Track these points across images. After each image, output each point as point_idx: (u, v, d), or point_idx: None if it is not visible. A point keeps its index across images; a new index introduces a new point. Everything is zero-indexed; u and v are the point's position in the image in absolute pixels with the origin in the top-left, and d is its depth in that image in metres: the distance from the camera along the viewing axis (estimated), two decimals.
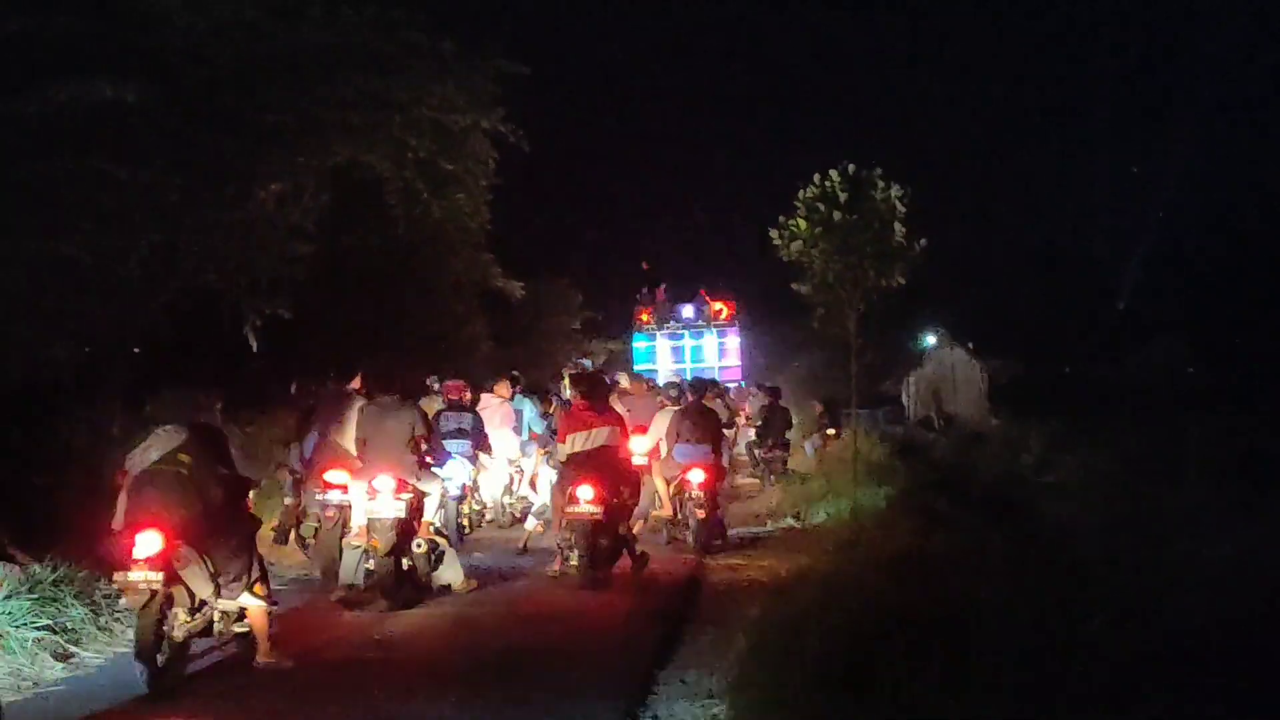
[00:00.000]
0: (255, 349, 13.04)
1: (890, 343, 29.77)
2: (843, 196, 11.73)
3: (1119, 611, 6.37)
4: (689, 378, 20.47)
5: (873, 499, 12.96)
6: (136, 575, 6.43)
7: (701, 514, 12.15)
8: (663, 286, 30.81)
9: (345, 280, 16.91)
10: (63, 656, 7.45)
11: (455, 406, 12.44)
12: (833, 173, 11.81)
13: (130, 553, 6.46)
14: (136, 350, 12.21)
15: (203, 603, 6.87)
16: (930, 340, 31.11)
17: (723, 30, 66.32)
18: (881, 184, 11.75)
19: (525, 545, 11.88)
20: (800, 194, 11.97)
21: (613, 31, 48.36)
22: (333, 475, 9.75)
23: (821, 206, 11.80)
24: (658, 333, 29.99)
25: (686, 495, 12.33)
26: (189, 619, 6.81)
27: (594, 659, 7.34)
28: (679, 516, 12.57)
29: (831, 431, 19.82)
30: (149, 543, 6.47)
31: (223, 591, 6.91)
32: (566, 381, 14.32)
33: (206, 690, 6.84)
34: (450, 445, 11.26)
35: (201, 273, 12.28)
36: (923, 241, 11.90)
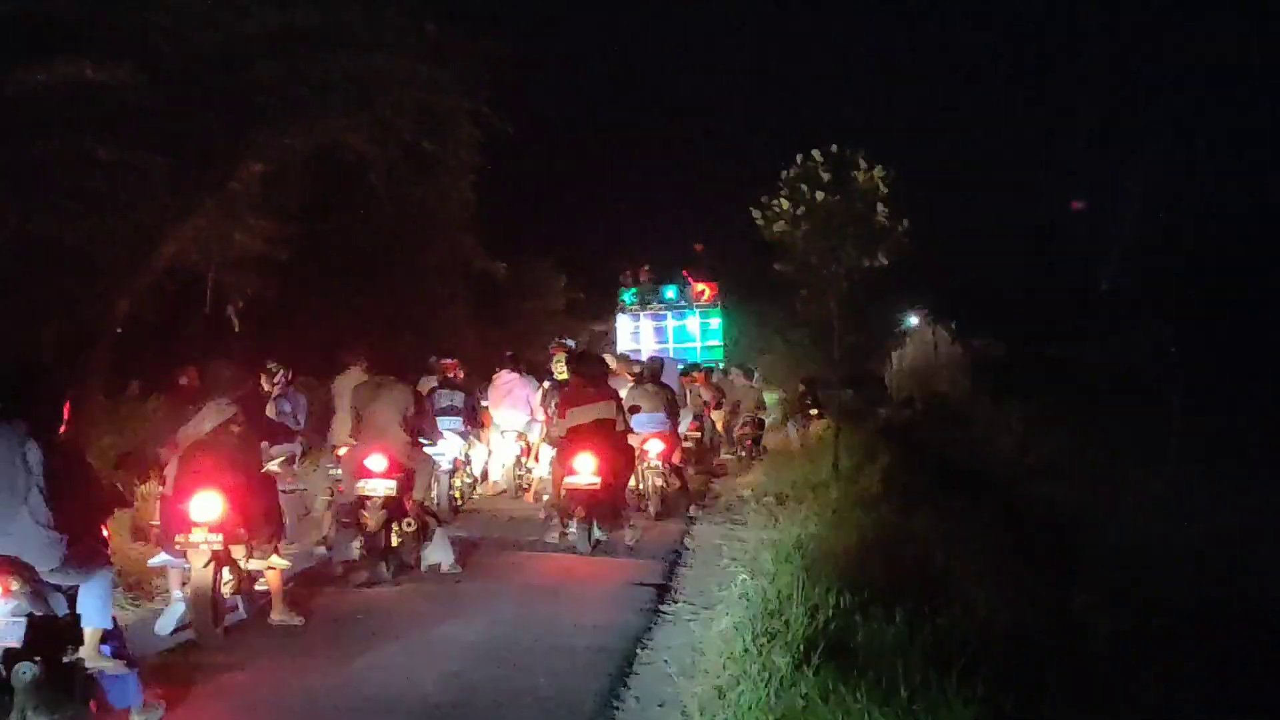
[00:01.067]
0: (237, 329, 13.04)
1: (873, 323, 29.80)
2: (825, 177, 11.77)
3: (1104, 591, 6.46)
4: (674, 358, 20.50)
5: (854, 477, 13.02)
6: (198, 537, 6.76)
7: (660, 482, 12.39)
8: (646, 268, 30.72)
9: (328, 261, 16.88)
10: None
11: (448, 384, 12.55)
12: (815, 153, 11.83)
13: (186, 517, 6.78)
14: (119, 330, 12.17)
15: (236, 562, 7.18)
16: (913, 320, 31.27)
17: (707, 9, 66.07)
18: (864, 164, 11.78)
19: (547, 515, 11.91)
20: (783, 174, 12.00)
21: (595, 12, 48.15)
22: (342, 451, 9.87)
23: (804, 186, 11.84)
24: (641, 313, 29.95)
25: (645, 465, 12.53)
26: (230, 577, 7.14)
27: (576, 637, 7.37)
28: (640, 487, 12.75)
29: (814, 411, 19.87)
30: (209, 506, 6.80)
31: (254, 552, 7.31)
32: (560, 360, 14.35)
33: (231, 644, 7.05)
34: (442, 422, 11.33)
35: (185, 253, 12.28)
36: (905, 222, 11.95)
